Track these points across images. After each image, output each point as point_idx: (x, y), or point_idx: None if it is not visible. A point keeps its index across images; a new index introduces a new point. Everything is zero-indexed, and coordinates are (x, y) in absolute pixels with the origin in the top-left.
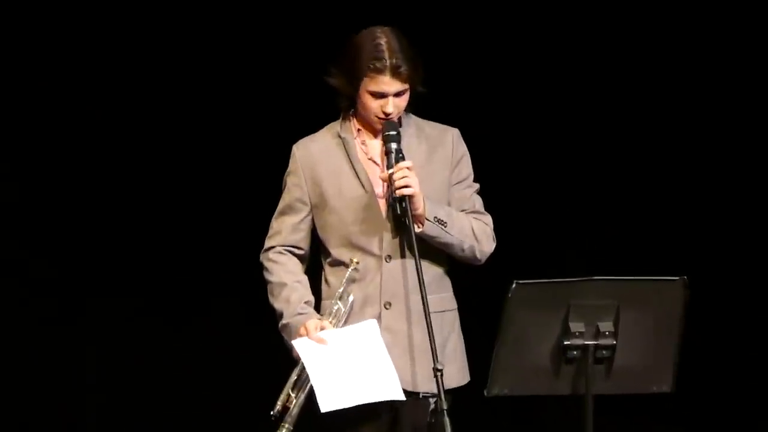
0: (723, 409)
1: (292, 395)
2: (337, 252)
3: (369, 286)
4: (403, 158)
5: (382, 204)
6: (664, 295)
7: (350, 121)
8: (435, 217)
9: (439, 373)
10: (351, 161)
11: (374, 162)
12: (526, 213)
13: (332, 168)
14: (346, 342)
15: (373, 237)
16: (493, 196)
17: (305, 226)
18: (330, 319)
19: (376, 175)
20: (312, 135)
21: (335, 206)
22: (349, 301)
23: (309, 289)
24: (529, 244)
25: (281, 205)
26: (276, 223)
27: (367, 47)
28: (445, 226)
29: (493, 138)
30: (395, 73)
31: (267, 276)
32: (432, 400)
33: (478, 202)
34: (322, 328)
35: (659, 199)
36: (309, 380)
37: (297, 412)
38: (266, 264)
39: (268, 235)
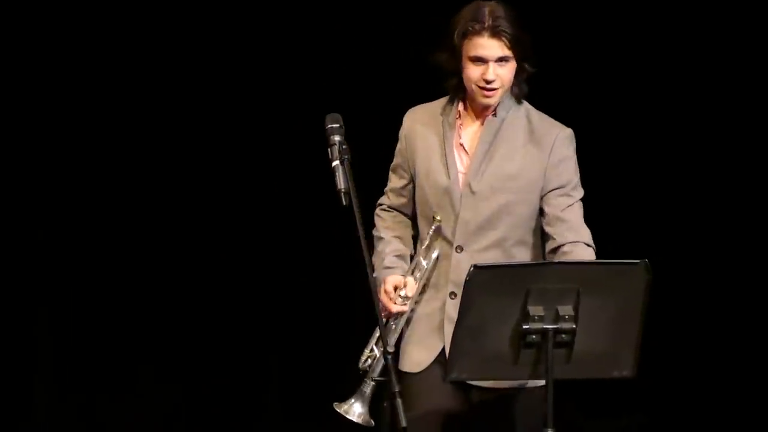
0: (685, 394)
1: (376, 350)
2: (421, 224)
3: (437, 272)
4: (346, 150)
5: (462, 194)
6: (626, 279)
7: (455, 103)
8: None
9: (389, 356)
10: (444, 146)
11: (463, 149)
12: None
13: (427, 147)
14: None
15: (448, 225)
16: None
17: (407, 193)
18: (416, 274)
19: (461, 164)
20: (426, 104)
21: (422, 184)
22: (433, 257)
23: (407, 244)
24: None
25: (393, 162)
26: (389, 181)
27: (468, 14)
28: None
29: None
30: (494, 34)
31: (373, 232)
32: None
33: (575, 216)
34: (403, 285)
35: (620, 182)
36: (389, 337)
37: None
38: (375, 220)
39: (385, 189)
